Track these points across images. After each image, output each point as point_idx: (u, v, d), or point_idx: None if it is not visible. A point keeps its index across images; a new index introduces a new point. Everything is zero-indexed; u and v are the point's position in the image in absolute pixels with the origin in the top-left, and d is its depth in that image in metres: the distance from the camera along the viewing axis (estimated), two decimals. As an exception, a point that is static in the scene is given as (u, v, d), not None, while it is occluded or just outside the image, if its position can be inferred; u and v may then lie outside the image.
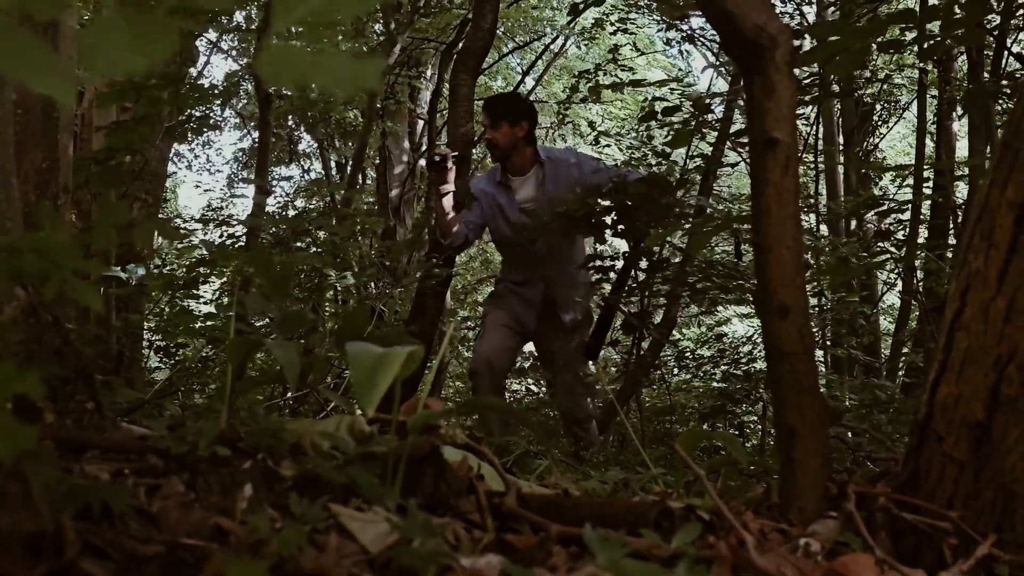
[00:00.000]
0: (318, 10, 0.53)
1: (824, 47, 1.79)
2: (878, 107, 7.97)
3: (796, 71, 1.30)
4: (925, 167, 4.57)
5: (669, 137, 3.66)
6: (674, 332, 6.34)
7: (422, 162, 8.02)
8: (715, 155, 4.38)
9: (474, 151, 5.84)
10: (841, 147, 7.51)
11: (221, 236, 4.96)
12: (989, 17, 2.99)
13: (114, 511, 0.74)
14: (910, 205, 4.56)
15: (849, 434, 3.25)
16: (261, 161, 5.41)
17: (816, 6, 6.97)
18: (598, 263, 3.65)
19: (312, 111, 7.65)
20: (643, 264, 3.66)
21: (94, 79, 4.29)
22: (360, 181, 8.11)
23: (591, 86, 4.76)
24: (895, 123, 8.74)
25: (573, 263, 3.71)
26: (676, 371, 6.17)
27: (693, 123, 3.63)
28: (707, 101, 3.71)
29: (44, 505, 0.65)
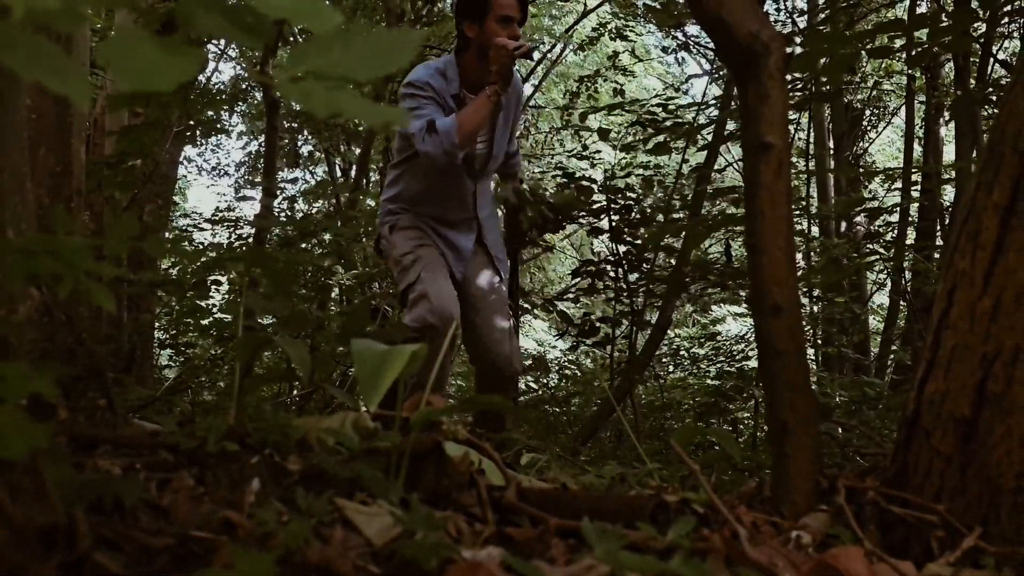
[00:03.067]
0: (328, 66, 0.54)
1: (813, 53, 1.79)
2: (867, 112, 7.97)
3: (788, 76, 1.30)
4: (913, 171, 4.57)
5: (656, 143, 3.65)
6: (669, 331, 6.34)
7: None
8: (709, 158, 4.38)
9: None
10: (832, 151, 7.51)
11: (230, 237, 4.96)
12: (975, 25, 2.99)
13: (126, 504, 0.74)
14: (899, 208, 4.56)
15: (839, 430, 3.25)
16: (268, 164, 5.40)
17: (808, 15, 6.98)
18: (591, 267, 3.63)
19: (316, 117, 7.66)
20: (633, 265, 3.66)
21: (107, 85, 4.29)
22: (364, 184, 8.10)
23: (582, 112, 4.67)
24: (884, 128, 8.74)
25: (493, 201, 3.07)
26: (671, 369, 6.18)
27: (673, 138, 3.63)
28: (695, 118, 3.72)
29: (58, 499, 0.65)
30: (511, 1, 2.69)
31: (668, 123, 3.86)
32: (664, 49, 10.04)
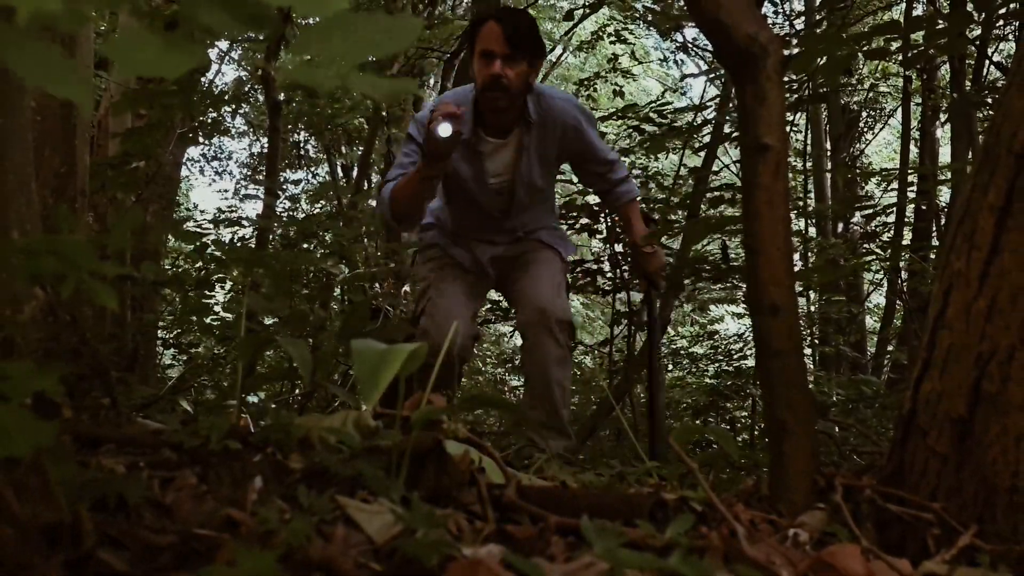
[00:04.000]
0: (333, 51, 0.54)
1: (809, 54, 1.79)
2: (864, 114, 7.97)
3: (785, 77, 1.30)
4: (909, 172, 4.57)
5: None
6: (668, 330, 6.34)
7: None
8: (707, 161, 4.38)
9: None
10: (828, 152, 7.51)
11: (232, 237, 4.96)
12: (971, 27, 2.99)
13: (129, 503, 0.74)
14: (895, 208, 4.56)
15: (836, 429, 3.25)
16: (271, 165, 5.41)
17: (805, 17, 6.98)
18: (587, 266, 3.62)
19: (318, 118, 7.67)
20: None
21: (110, 87, 4.29)
22: (366, 185, 8.10)
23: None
24: (880, 129, 8.74)
25: (549, 214, 2.80)
26: (670, 368, 6.17)
27: (670, 140, 3.61)
28: (692, 119, 3.71)
29: (62, 497, 0.65)
30: (490, 31, 2.35)
31: (665, 127, 3.86)
32: (664, 60, 10.06)
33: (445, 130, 2.16)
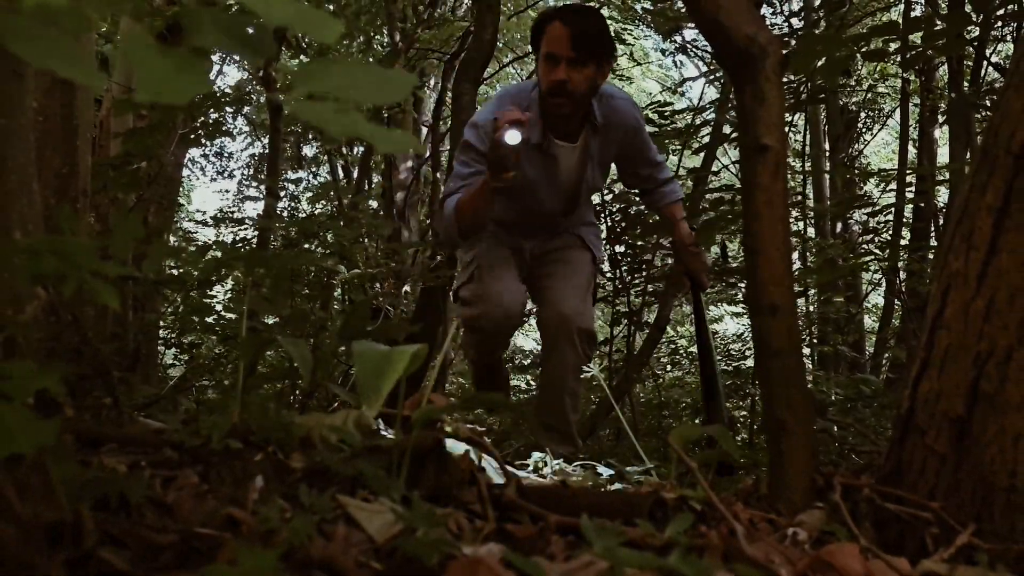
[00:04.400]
0: (330, 89, 0.55)
1: (807, 55, 1.79)
2: (863, 115, 7.97)
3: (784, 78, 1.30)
4: (908, 172, 4.57)
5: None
6: (668, 330, 6.33)
7: (425, 168, 8.01)
8: (706, 161, 4.38)
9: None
10: (827, 153, 7.51)
11: (234, 237, 4.97)
12: (969, 28, 2.99)
13: (131, 502, 0.74)
14: (893, 209, 4.56)
15: (835, 428, 3.25)
16: (272, 166, 5.41)
17: (804, 19, 6.97)
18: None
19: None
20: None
21: (112, 88, 4.29)
22: (366, 186, 8.10)
23: None
24: (879, 130, 8.74)
25: (590, 209, 2.78)
26: (669, 368, 6.17)
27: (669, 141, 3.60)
28: (691, 120, 3.70)
29: (64, 496, 0.65)
30: (558, 34, 2.21)
31: (664, 128, 3.86)
32: (663, 51, 10.04)
33: (513, 137, 2.05)
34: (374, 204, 7.93)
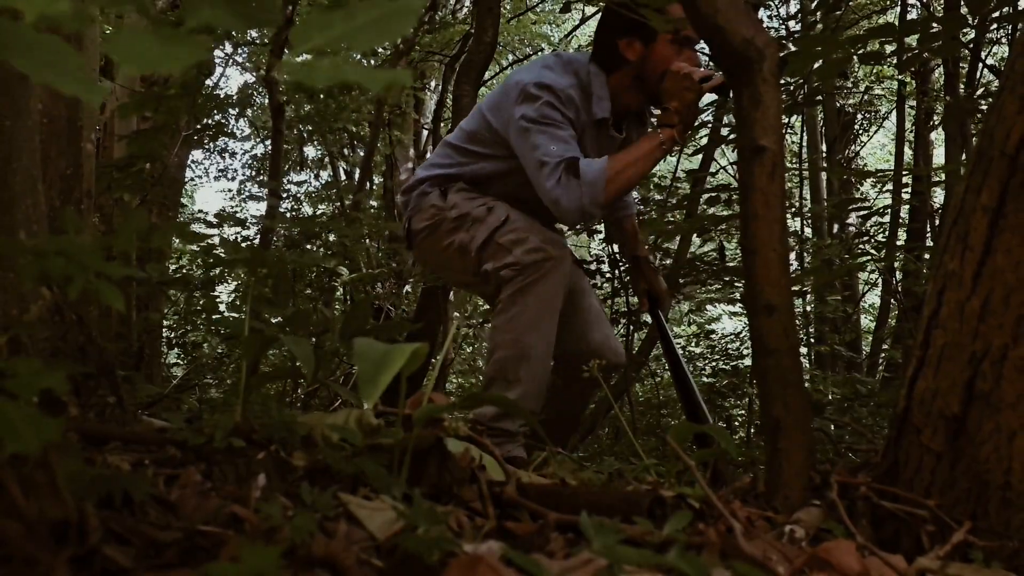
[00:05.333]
0: (335, 40, 0.53)
1: (804, 57, 1.79)
2: (859, 116, 7.97)
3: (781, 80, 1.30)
4: (904, 173, 4.57)
5: None
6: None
7: None
8: (704, 163, 4.38)
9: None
10: (824, 154, 7.51)
11: (236, 237, 4.97)
12: (964, 31, 2.99)
13: (135, 499, 0.74)
14: (890, 209, 4.57)
15: (832, 426, 3.26)
16: (274, 167, 5.40)
17: (801, 22, 6.97)
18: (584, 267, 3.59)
19: (321, 121, 7.67)
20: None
21: (116, 90, 4.29)
22: (368, 187, 8.10)
23: None
24: (875, 131, 8.74)
25: None
26: (668, 367, 6.16)
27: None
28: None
29: (69, 494, 0.65)
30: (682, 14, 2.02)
31: None
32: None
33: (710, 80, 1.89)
34: (375, 204, 7.93)
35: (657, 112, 2.14)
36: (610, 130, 2.12)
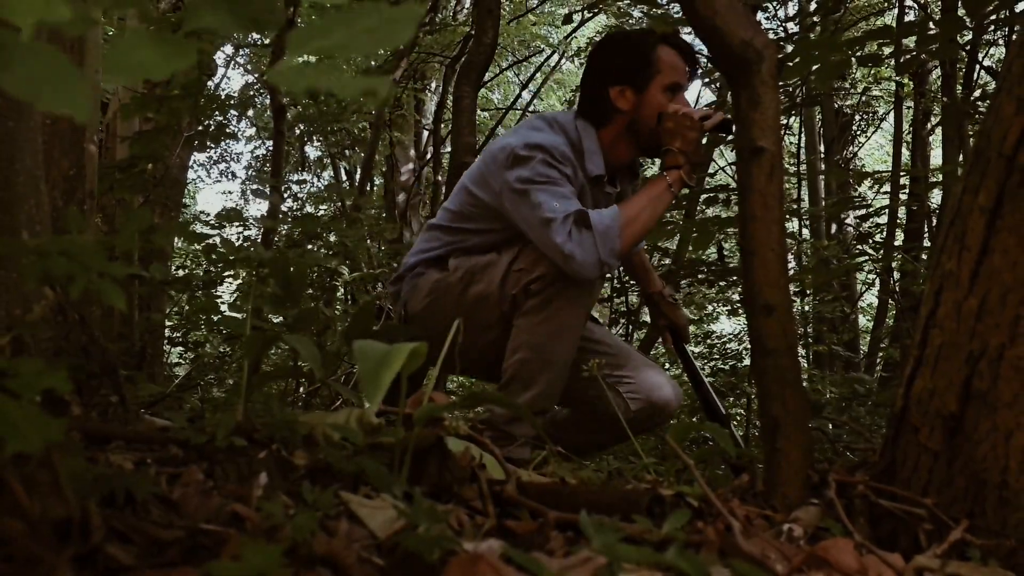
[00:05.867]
0: (332, 47, 0.52)
1: (803, 59, 1.79)
2: (857, 117, 7.97)
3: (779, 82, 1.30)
4: (901, 174, 4.57)
5: None
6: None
7: (427, 170, 8.01)
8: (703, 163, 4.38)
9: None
10: (822, 155, 7.51)
11: (238, 237, 4.97)
12: (961, 33, 2.99)
13: (137, 498, 0.74)
14: (887, 210, 4.57)
15: (830, 426, 3.26)
16: (275, 167, 5.40)
17: (799, 24, 6.97)
18: None
19: (322, 122, 7.67)
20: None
21: (119, 91, 4.29)
22: (368, 188, 8.10)
23: None
24: (873, 133, 8.74)
25: None
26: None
27: None
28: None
29: (72, 492, 0.65)
30: (683, 64, 2.00)
31: None
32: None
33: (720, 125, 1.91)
34: (376, 203, 7.93)
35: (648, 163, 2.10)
36: (605, 186, 2.06)
